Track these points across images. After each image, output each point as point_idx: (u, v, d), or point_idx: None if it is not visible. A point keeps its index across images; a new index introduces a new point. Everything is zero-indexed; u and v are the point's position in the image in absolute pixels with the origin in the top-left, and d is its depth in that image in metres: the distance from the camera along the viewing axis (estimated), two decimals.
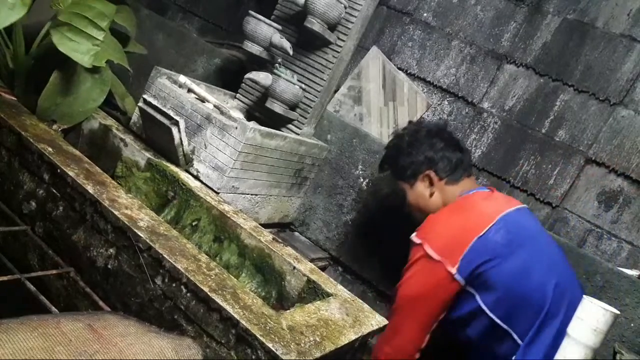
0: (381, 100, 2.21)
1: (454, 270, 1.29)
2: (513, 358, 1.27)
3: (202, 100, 1.81)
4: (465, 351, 1.44)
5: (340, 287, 1.36)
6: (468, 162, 1.58)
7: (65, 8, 1.67)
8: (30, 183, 1.38)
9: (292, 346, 0.97)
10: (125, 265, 1.17)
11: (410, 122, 1.69)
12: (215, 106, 1.79)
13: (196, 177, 1.67)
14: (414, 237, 1.40)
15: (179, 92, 1.75)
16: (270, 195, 1.91)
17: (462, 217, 1.40)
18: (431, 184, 1.53)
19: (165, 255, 1.10)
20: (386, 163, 1.66)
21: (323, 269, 2.01)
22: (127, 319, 1.02)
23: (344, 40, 1.92)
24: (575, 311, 0.89)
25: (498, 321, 1.29)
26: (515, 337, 1.29)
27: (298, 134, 1.98)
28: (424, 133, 1.57)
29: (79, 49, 1.63)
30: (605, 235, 1.81)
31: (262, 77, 1.87)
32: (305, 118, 1.99)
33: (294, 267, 1.36)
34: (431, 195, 1.53)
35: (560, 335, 1.07)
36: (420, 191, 1.55)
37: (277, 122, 1.98)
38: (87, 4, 1.71)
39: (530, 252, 1.34)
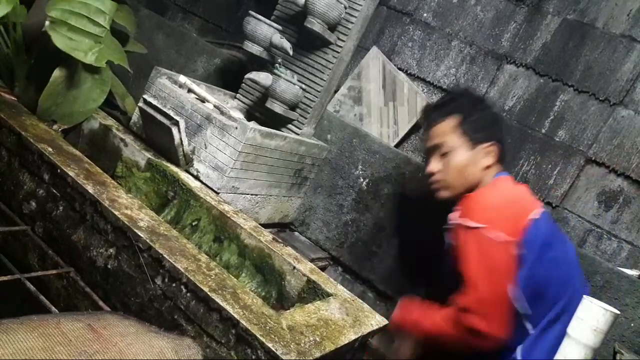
0: (381, 101, 2.21)
1: (516, 248, 1.26)
2: (520, 346, 1.27)
3: (202, 100, 1.82)
4: None
5: (340, 287, 1.36)
6: None
7: (55, 6, 1.64)
8: (30, 183, 1.38)
9: (292, 346, 0.97)
10: (125, 265, 1.17)
11: (467, 88, 1.64)
12: (215, 106, 1.79)
13: (196, 177, 1.67)
14: (465, 222, 1.30)
15: (179, 92, 1.75)
16: (270, 195, 1.91)
17: (514, 197, 1.35)
18: (492, 156, 1.42)
19: (165, 255, 1.10)
20: (455, 110, 1.45)
21: (323, 269, 2.01)
22: (127, 319, 1.02)
23: (344, 41, 1.92)
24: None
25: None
26: (528, 324, 1.29)
27: (298, 134, 1.98)
28: (491, 104, 1.52)
29: (80, 47, 1.63)
30: (605, 235, 1.81)
31: (262, 77, 1.87)
32: (305, 118, 1.99)
33: (294, 267, 1.36)
34: (486, 168, 1.42)
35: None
36: (476, 158, 1.41)
37: (277, 122, 1.98)
38: (82, 1, 1.69)
39: (561, 246, 1.35)
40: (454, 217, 1.35)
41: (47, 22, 1.61)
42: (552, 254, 1.30)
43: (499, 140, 1.44)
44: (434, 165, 1.47)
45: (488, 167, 1.42)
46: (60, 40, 1.60)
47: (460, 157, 1.42)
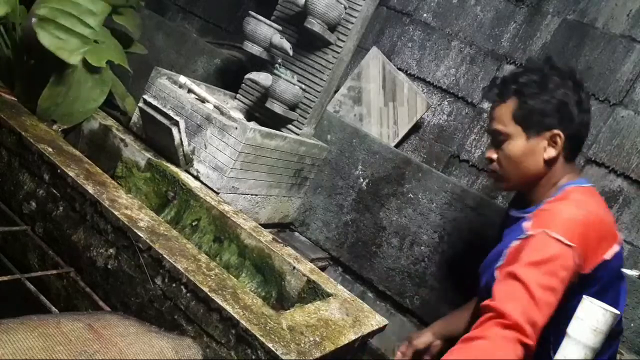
0: (381, 101, 2.21)
1: (584, 272, 1.11)
2: None
3: (202, 100, 1.82)
4: None
5: (340, 287, 1.36)
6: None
7: (44, 4, 1.63)
8: (30, 183, 1.38)
9: (292, 346, 0.97)
10: (125, 266, 1.17)
11: (549, 58, 1.30)
12: (215, 106, 1.79)
13: (196, 178, 1.67)
14: (552, 233, 1.09)
15: (179, 93, 1.75)
16: (270, 196, 1.92)
17: (601, 222, 1.16)
18: (554, 147, 1.22)
19: (165, 256, 1.10)
20: (512, 93, 1.26)
21: (323, 269, 2.01)
22: (127, 319, 1.02)
23: (343, 41, 1.92)
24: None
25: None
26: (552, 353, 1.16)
27: (298, 134, 1.98)
28: (573, 82, 1.24)
29: (66, 47, 1.60)
30: None
31: (262, 78, 1.87)
32: (305, 118, 1.99)
33: (294, 267, 1.36)
34: (548, 161, 1.23)
35: None
36: (535, 149, 1.22)
37: (277, 122, 1.98)
38: (73, 0, 1.67)
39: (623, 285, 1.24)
40: (531, 226, 1.16)
41: (33, 19, 1.59)
42: (617, 292, 1.21)
43: (569, 128, 1.21)
44: (490, 151, 1.30)
45: (551, 159, 1.22)
46: (46, 38, 1.58)
47: (516, 148, 1.23)
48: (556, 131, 1.21)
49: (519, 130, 1.23)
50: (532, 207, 1.27)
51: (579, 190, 1.22)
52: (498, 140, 1.27)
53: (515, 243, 1.17)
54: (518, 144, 1.23)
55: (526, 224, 1.18)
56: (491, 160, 1.30)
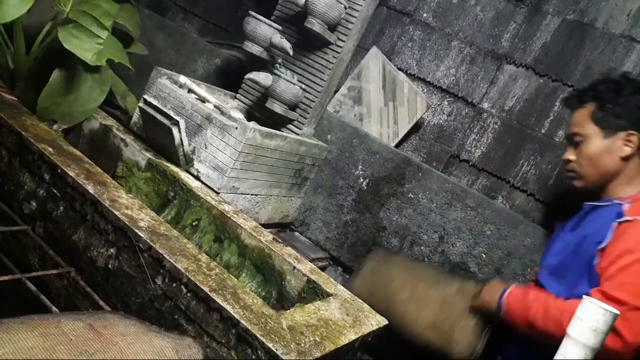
0: (381, 101, 2.21)
1: None
2: None
3: (203, 100, 1.82)
4: None
5: (340, 287, 1.36)
6: None
7: (72, 6, 1.67)
8: (30, 183, 1.38)
9: (292, 346, 0.97)
10: (125, 265, 1.17)
11: (625, 73, 1.48)
12: (215, 106, 1.79)
13: (196, 177, 1.67)
14: None
15: (180, 93, 1.75)
16: (271, 196, 1.92)
17: None
18: (629, 146, 1.33)
19: (165, 255, 1.10)
20: (590, 98, 1.40)
21: (323, 269, 2.01)
22: (127, 319, 1.02)
23: (343, 41, 1.92)
24: None
25: None
26: None
27: (298, 134, 1.98)
28: None
29: (83, 46, 1.63)
30: None
31: (262, 78, 1.87)
32: (305, 118, 1.99)
33: (294, 267, 1.36)
34: (624, 158, 1.34)
35: None
36: (611, 147, 1.35)
37: (277, 122, 1.98)
38: (94, 2, 1.71)
39: None
40: (631, 211, 1.25)
41: (50, 22, 1.62)
42: None
43: None
44: (569, 153, 1.43)
45: (627, 157, 1.34)
46: (66, 37, 1.61)
47: (593, 147, 1.36)
48: (631, 131, 1.33)
49: (596, 130, 1.37)
50: (613, 198, 1.36)
51: None
52: (576, 142, 1.41)
53: (615, 225, 1.26)
54: (596, 143, 1.36)
55: (626, 207, 1.27)
56: (569, 161, 1.42)
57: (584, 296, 0.90)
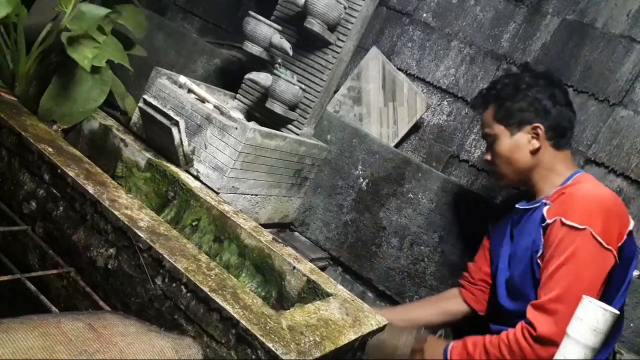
0: (381, 101, 2.21)
1: (617, 258, 1.19)
2: None
3: (202, 100, 1.82)
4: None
5: (340, 287, 1.36)
6: (572, 130, 1.40)
7: (71, 11, 1.68)
8: (30, 183, 1.38)
9: (292, 346, 0.97)
10: (125, 265, 1.17)
11: (526, 63, 1.48)
12: (215, 106, 1.79)
13: (196, 177, 1.67)
14: (567, 220, 1.19)
15: (179, 93, 1.75)
16: (270, 196, 1.92)
17: (615, 203, 1.24)
18: (537, 139, 1.35)
19: (165, 255, 1.10)
20: (491, 99, 1.42)
21: (323, 269, 2.01)
22: (127, 319, 1.02)
23: (343, 41, 1.92)
24: None
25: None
26: None
27: (298, 134, 1.98)
28: (545, 80, 1.38)
29: (81, 52, 1.64)
30: None
31: (262, 78, 1.87)
32: (305, 118, 1.99)
33: (294, 267, 1.36)
34: (533, 151, 1.35)
35: None
36: (519, 143, 1.36)
37: (277, 122, 1.98)
38: (95, 6, 1.71)
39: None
40: (549, 213, 1.25)
41: (50, 23, 1.62)
42: (630, 277, 1.27)
43: (546, 114, 1.34)
44: (487, 154, 1.45)
45: (537, 150, 1.35)
46: (69, 42, 1.61)
47: (504, 146, 1.38)
48: (535, 124, 1.34)
49: (502, 129, 1.38)
50: (542, 197, 1.36)
51: (589, 176, 1.34)
52: (489, 142, 1.43)
53: (541, 230, 1.27)
54: (504, 141, 1.38)
55: (545, 210, 1.28)
56: (488, 162, 1.45)
57: (583, 296, 0.90)
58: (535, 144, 1.35)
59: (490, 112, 1.41)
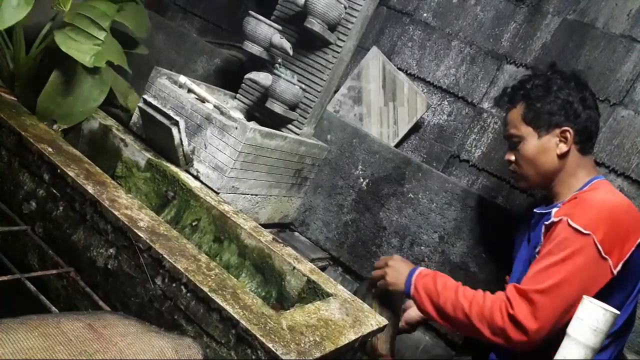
0: (381, 101, 2.21)
1: (615, 270, 1.16)
2: None
3: (202, 100, 1.82)
4: None
5: (340, 287, 1.36)
6: (597, 135, 1.37)
7: (69, 9, 1.68)
8: (30, 183, 1.38)
9: (292, 346, 0.97)
10: (125, 266, 1.17)
11: (554, 63, 1.44)
12: (215, 106, 1.79)
13: (196, 177, 1.67)
14: (573, 222, 1.17)
15: (179, 93, 1.75)
16: (270, 196, 1.91)
17: (626, 213, 1.21)
18: (565, 143, 1.31)
19: (165, 256, 1.10)
20: (520, 99, 1.37)
21: (323, 269, 2.01)
22: (127, 319, 1.02)
23: (344, 41, 1.92)
24: None
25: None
26: None
27: (298, 134, 1.98)
28: (576, 82, 1.35)
29: (81, 49, 1.64)
30: None
31: (262, 78, 1.87)
32: (305, 118, 1.99)
33: (294, 267, 1.36)
34: (560, 155, 1.32)
35: None
36: (547, 146, 1.32)
37: (277, 122, 1.98)
38: (91, 4, 1.72)
39: None
40: (558, 213, 1.24)
41: (49, 23, 1.62)
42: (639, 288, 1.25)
43: (576, 118, 1.31)
44: (509, 154, 1.42)
45: (564, 154, 1.32)
46: (62, 40, 1.61)
47: (530, 148, 1.34)
48: (565, 127, 1.31)
49: (530, 130, 1.34)
50: (558, 202, 1.34)
51: (607, 183, 1.32)
52: (513, 142, 1.39)
53: (543, 229, 1.26)
54: (531, 143, 1.34)
55: (555, 210, 1.26)
56: (510, 162, 1.41)
57: (583, 296, 0.90)
58: (563, 147, 1.32)
59: (517, 112, 1.37)
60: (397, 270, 1.37)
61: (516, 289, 1.18)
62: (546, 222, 1.26)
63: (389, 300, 1.43)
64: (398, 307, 1.48)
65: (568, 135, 1.31)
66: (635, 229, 1.20)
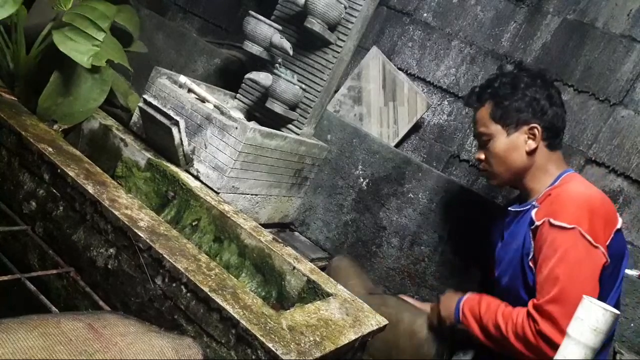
0: (381, 101, 2.21)
1: (607, 256, 1.19)
2: None
3: (202, 100, 1.82)
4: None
5: (340, 287, 1.36)
6: (564, 131, 1.39)
7: (68, 10, 1.68)
8: (30, 183, 1.38)
9: (292, 346, 0.97)
10: (125, 265, 1.17)
11: (521, 62, 1.46)
12: (215, 106, 1.79)
13: (196, 177, 1.67)
14: (555, 221, 1.19)
15: (179, 92, 1.75)
16: (270, 195, 1.91)
17: (601, 202, 1.23)
18: (533, 139, 1.34)
19: (165, 255, 1.10)
20: (488, 97, 1.39)
21: (323, 269, 2.01)
22: (127, 319, 1.02)
23: (344, 41, 1.92)
24: None
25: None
26: None
27: (298, 134, 1.98)
28: (542, 80, 1.37)
29: (79, 49, 1.64)
30: None
31: (262, 77, 1.87)
32: (305, 118, 1.99)
33: (294, 267, 1.36)
34: (529, 152, 1.34)
35: None
36: (516, 143, 1.34)
37: (277, 122, 1.98)
38: (90, 5, 1.72)
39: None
40: (539, 215, 1.25)
41: (50, 23, 1.62)
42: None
43: (543, 114, 1.33)
44: (479, 152, 1.43)
45: (533, 150, 1.34)
46: (61, 40, 1.61)
47: (499, 145, 1.36)
48: (533, 124, 1.33)
49: (499, 128, 1.36)
50: (532, 200, 1.36)
51: (578, 176, 1.35)
52: (483, 141, 1.40)
53: (530, 233, 1.27)
54: (500, 141, 1.36)
55: (534, 212, 1.28)
56: (480, 161, 1.43)
57: (583, 296, 0.90)
58: (532, 144, 1.34)
59: (485, 110, 1.39)
60: (447, 304, 1.38)
61: (533, 304, 1.19)
62: (531, 227, 1.27)
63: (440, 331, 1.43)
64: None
65: (536, 131, 1.33)
66: (611, 218, 1.23)
